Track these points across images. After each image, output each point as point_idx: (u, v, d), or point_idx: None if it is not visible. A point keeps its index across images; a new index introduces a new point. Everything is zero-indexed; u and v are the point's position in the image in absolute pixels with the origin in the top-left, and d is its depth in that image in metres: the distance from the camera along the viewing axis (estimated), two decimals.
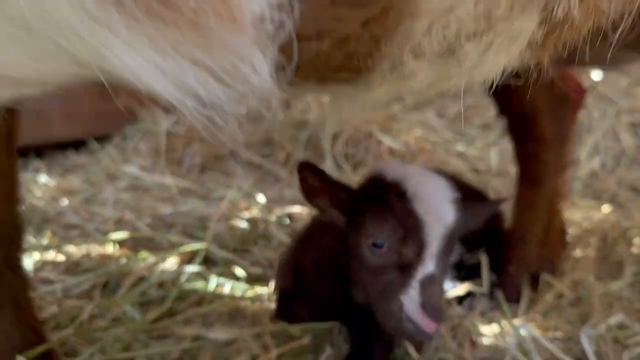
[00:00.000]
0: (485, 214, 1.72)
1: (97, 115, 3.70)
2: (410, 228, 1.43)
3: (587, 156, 3.41)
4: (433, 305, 1.34)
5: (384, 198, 1.48)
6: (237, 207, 2.75)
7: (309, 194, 1.56)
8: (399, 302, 1.40)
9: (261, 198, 2.81)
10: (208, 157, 3.52)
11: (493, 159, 3.49)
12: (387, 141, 3.32)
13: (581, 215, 2.62)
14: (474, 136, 3.83)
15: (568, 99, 1.97)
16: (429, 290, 1.35)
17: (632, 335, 1.68)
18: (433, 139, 3.54)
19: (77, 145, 3.54)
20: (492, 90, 1.05)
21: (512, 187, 2.48)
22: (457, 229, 1.52)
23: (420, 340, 1.55)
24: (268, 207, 2.65)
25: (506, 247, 2.05)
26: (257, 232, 2.46)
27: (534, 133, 1.93)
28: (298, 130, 3.83)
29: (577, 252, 2.15)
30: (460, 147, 3.54)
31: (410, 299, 1.37)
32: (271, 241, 2.38)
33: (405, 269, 1.39)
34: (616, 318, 1.71)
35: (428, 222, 1.43)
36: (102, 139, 3.59)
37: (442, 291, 1.44)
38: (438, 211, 1.46)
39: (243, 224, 2.50)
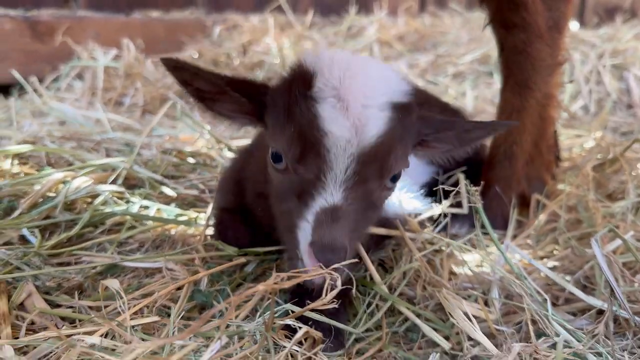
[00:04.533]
0: (483, 136, 1.24)
1: (29, 55, 3.32)
2: (309, 141, 1.01)
3: (568, 100, 3.20)
4: (324, 244, 0.96)
5: (288, 96, 1.07)
6: (179, 141, 2.38)
7: (202, 100, 1.13)
8: (296, 238, 1.02)
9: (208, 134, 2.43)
10: (152, 97, 3.12)
11: (469, 103, 3.24)
12: None
13: (570, 142, 2.32)
14: (447, 85, 3.61)
15: None
16: (327, 226, 0.97)
17: None
18: None
19: (6, 88, 3.11)
20: None
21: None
22: (397, 147, 1.06)
23: (311, 286, 1.03)
24: (215, 141, 2.25)
25: (489, 165, 1.70)
26: (198, 163, 2.08)
27: (523, 20, 1.52)
28: (254, 71, 3.50)
29: (571, 174, 1.81)
30: None
31: (303, 235, 1.01)
32: (214, 169, 2.01)
33: (304, 195, 1.02)
34: (628, 238, 1.36)
35: (333, 134, 1.00)
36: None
37: (349, 230, 1.01)
38: (354, 120, 1.01)
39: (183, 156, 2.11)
